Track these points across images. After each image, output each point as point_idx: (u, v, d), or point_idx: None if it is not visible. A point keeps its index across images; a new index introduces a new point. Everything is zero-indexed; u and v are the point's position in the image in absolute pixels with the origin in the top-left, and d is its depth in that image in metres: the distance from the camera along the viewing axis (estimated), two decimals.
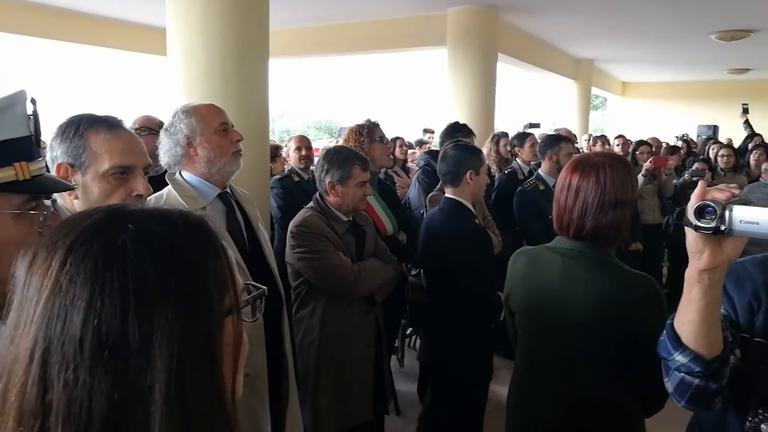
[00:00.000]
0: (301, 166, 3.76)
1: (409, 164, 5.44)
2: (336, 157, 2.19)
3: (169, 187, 1.67)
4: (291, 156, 3.84)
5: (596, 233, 1.37)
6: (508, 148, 4.76)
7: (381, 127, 2.90)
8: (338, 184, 2.16)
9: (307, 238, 2.11)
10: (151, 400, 0.46)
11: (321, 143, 10.25)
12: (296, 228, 2.15)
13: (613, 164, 1.39)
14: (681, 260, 1.27)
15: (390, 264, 2.30)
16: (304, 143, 3.83)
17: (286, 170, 3.88)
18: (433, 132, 7.95)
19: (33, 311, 0.48)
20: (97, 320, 0.46)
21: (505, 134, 4.95)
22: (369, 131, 2.82)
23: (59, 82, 14.79)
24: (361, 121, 2.91)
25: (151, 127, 2.69)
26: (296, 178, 3.69)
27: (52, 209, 0.85)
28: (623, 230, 1.38)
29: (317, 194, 2.25)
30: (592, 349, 1.36)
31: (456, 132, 3.64)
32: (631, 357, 1.33)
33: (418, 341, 3.21)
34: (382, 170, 3.18)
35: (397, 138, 5.22)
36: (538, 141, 4.02)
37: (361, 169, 2.17)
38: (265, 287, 0.60)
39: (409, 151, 6.49)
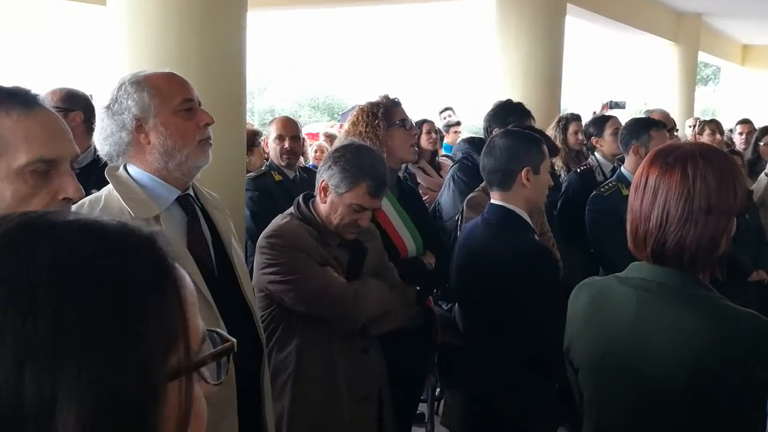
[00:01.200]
0: (284, 163, 3.81)
1: (441, 158, 5.48)
2: (348, 158, 2.25)
3: (110, 187, 1.70)
4: (270, 146, 3.90)
5: (681, 251, 1.38)
6: (581, 137, 4.78)
7: (403, 107, 2.96)
8: (332, 190, 2.23)
9: (281, 254, 2.17)
10: None
11: (318, 128, 10.36)
12: (267, 240, 2.22)
13: (708, 156, 1.41)
14: None
15: (397, 290, 2.37)
16: (287, 129, 3.87)
17: (264, 166, 3.95)
18: (452, 108, 7.98)
19: None
20: None
21: (577, 117, 4.97)
22: (386, 112, 2.86)
23: None
24: (375, 98, 2.97)
25: (67, 107, 2.74)
26: (278, 177, 3.74)
27: None
28: (719, 247, 1.39)
29: (302, 195, 2.34)
30: (681, 427, 1.36)
31: (507, 114, 3.67)
32: (732, 424, 1.34)
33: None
34: (403, 166, 3.22)
35: (425, 121, 5.28)
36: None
37: (367, 192, 2.23)
38: (234, 340, 0.60)
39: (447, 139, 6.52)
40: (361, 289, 2.23)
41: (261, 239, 2.24)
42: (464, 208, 3.04)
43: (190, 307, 0.56)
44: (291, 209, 2.33)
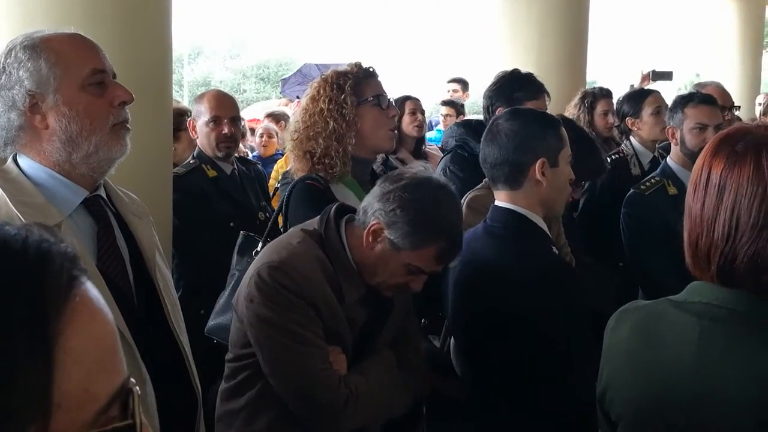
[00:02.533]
0: (220, 154, 3.80)
1: (428, 148, 5.53)
2: (423, 207, 2.16)
3: None
4: (199, 131, 3.85)
5: (757, 269, 1.37)
6: (611, 119, 4.82)
7: (379, 79, 2.98)
8: (388, 239, 2.17)
9: (279, 300, 2.12)
10: None
11: (268, 106, 10.27)
12: (270, 273, 2.15)
13: None
14: None
15: (414, 377, 2.39)
16: (225, 109, 3.84)
17: (191, 158, 3.88)
18: (463, 83, 8.04)
19: None
20: None
21: (607, 93, 5.01)
22: (356, 85, 2.87)
23: None
24: (342, 66, 2.99)
25: None
26: (211, 172, 3.73)
27: None
28: None
29: (335, 208, 2.29)
30: None
31: (514, 89, 3.71)
32: None
33: None
34: (379, 157, 3.23)
35: (408, 99, 5.31)
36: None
37: (437, 254, 2.19)
38: (130, 422, 0.60)
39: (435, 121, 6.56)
40: (356, 397, 2.18)
41: (263, 266, 2.18)
42: (464, 208, 3.01)
43: (77, 369, 0.55)
44: (312, 222, 2.30)
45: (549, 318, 2.24)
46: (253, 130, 7.56)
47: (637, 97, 4.47)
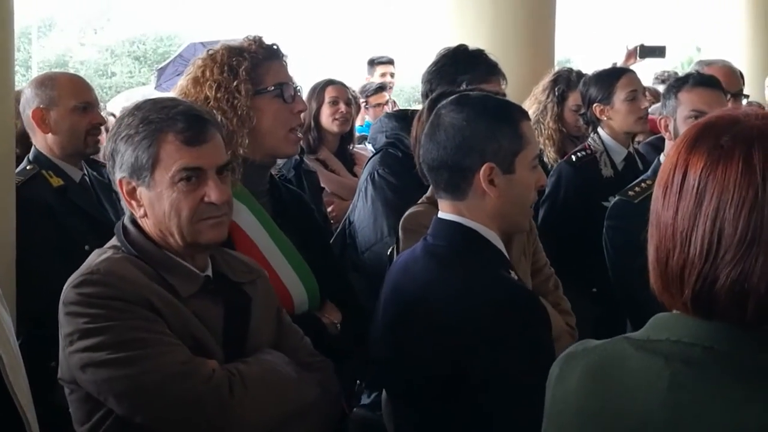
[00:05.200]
0: (89, 150, 3.82)
1: (357, 148, 5.57)
2: (134, 115, 2.31)
3: None
4: (54, 124, 3.77)
5: (742, 295, 1.36)
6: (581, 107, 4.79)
7: (285, 61, 3.01)
8: (136, 180, 2.29)
9: (102, 314, 2.15)
10: None
11: (147, 94, 10.11)
12: (75, 291, 2.20)
13: None
14: None
15: (315, 369, 2.42)
16: (90, 93, 3.86)
17: (27, 162, 3.82)
18: (390, 64, 8.11)
19: None
20: None
21: (576, 75, 5.03)
22: (254, 68, 2.88)
23: None
24: (236, 41, 2.99)
25: None
26: (56, 180, 3.68)
27: None
28: None
29: (120, 224, 2.40)
30: None
31: (459, 70, 3.75)
32: None
33: None
34: (280, 163, 3.34)
35: (330, 84, 5.35)
36: (657, 89, 4.16)
37: (180, 139, 2.28)
38: None
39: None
40: (240, 379, 2.22)
41: (66, 291, 2.22)
42: (399, 231, 3.08)
43: None
44: (113, 240, 2.37)
45: (507, 362, 2.24)
46: None
47: (608, 78, 4.47)
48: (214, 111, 2.72)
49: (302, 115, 3.04)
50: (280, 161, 3.38)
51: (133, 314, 2.15)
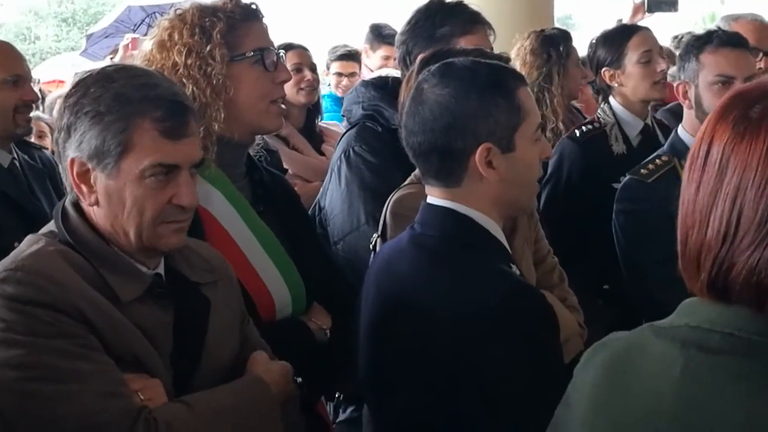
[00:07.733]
0: (20, 131, 3.79)
1: (325, 123, 5.61)
2: (98, 91, 2.16)
3: None
4: None
5: (760, 285, 1.36)
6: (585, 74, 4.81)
7: (265, 23, 2.93)
8: (95, 167, 2.17)
9: (19, 320, 2.02)
10: None
11: (78, 63, 9.95)
12: None
13: None
14: None
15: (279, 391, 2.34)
16: (22, 64, 3.83)
17: None
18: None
19: None
20: None
21: (566, 35, 4.96)
22: (230, 30, 2.78)
23: None
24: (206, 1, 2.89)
25: None
26: None
27: None
28: None
29: (60, 205, 2.28)
30: None
31: (436, 24, 3.64)
32: None
33: None
34: (259, 140, 3.19)
35: (290, 48, 5.30)
36: (673, 49, 4.05)
37: (157, 128, 2.16)
38: None
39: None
40: (180, 415, 2.10)
41: None
42: (387, 217, 3.01)
43: None
44: (45, 228, 2.28)
45: (506, 369, 2.21)
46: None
47: (617, 38, 4.33)
48: (185, 80, 2.68)
49: (284, 84, 2.97)
50: (259, 138, 3.29)
51: (59, 330, 2.01)
